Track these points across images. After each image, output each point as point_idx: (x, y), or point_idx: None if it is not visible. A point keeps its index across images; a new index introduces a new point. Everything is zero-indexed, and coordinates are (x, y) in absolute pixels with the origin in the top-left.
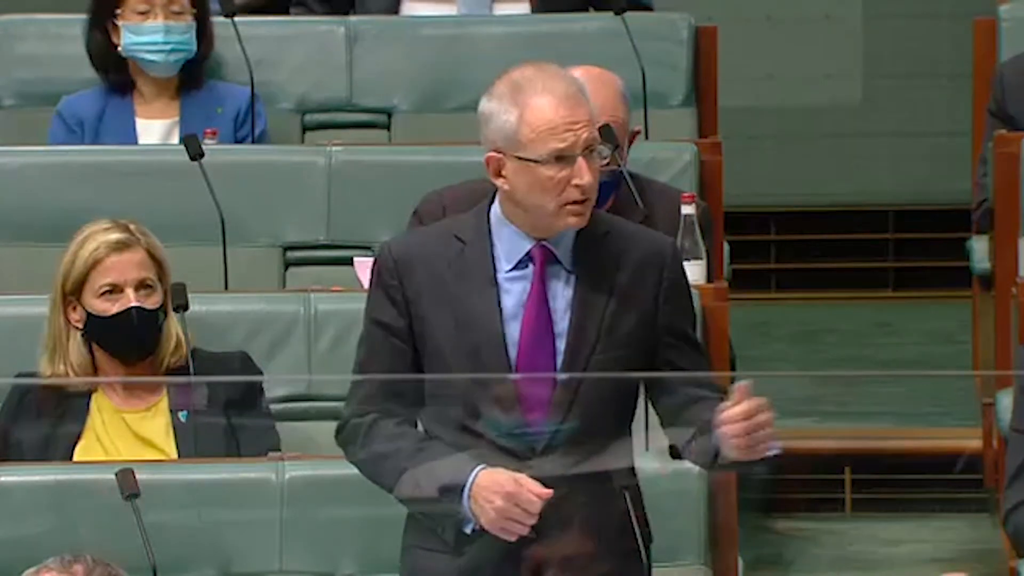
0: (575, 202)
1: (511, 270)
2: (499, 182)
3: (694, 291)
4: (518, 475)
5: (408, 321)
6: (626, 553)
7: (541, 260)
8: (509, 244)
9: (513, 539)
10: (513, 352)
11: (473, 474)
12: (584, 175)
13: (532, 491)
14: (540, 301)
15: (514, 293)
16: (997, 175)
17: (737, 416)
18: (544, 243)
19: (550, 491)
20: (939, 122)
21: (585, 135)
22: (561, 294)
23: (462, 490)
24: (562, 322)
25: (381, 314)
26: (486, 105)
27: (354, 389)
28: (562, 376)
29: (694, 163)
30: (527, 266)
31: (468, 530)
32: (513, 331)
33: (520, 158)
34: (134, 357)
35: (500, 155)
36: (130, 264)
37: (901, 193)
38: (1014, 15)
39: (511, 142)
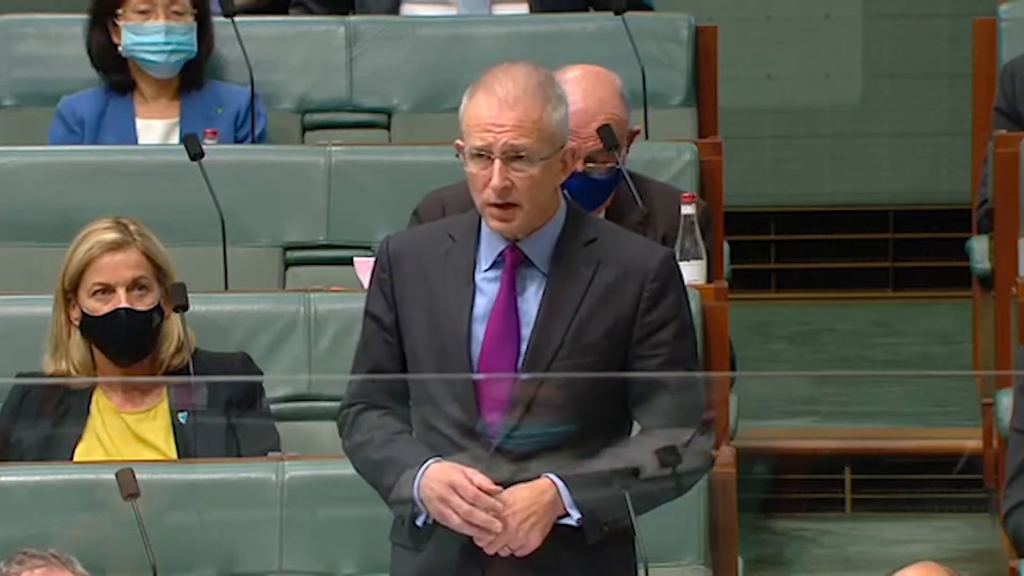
0: (492, 204)
1: (488, 269)
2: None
3: (694, 291)
4: (466, 468)
5: (395, 316)
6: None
7: (511, 262)
8: (488, 243)
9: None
10: (476, 353)
11: (424, 466)
12: (493, 177)
13: (478, 484)
14: (507, 303)
15: (487, 293)
16: (997, 175)
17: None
18: (517, 244)
19: (498, 488)
20: (939, 122)
21: (505, 139)
22: (533, 297)
23: (413, 482)
24: (529, 325)
25: (374, 307)
26: None
27: (351, 380)
28: (524, 376)
29: (694, 163)
30: (502, 266)
31: (419, 523)
32: (480, 332)
33: (462, 148)
34: (126, 359)
35: (461, 143)
36: (123, 264)
37: (901, 193)
38: (1014, 15)
39: (461, 131)
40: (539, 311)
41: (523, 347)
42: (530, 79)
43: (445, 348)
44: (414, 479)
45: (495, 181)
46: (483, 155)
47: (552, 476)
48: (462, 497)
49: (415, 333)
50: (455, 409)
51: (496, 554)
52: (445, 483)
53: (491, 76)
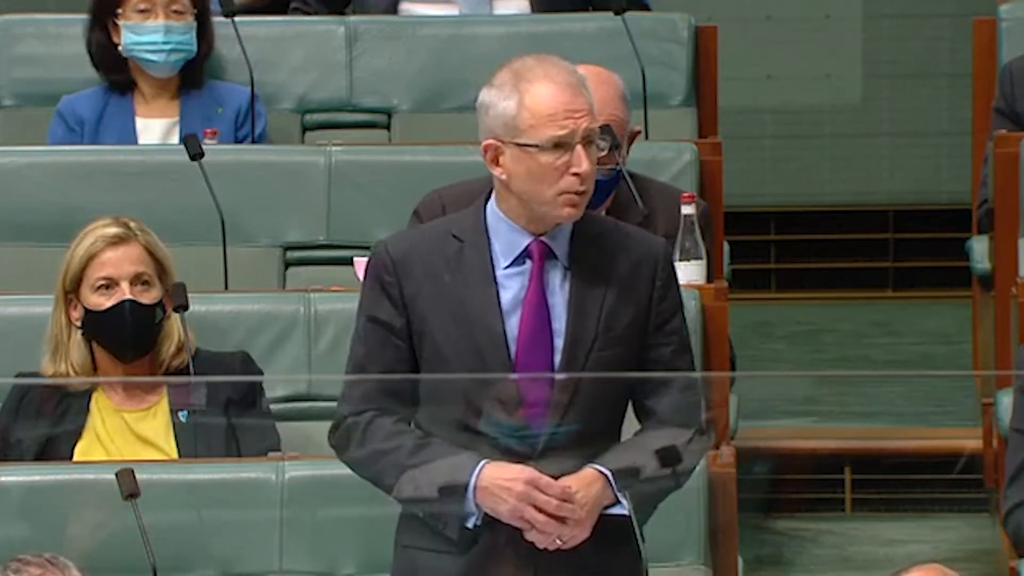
0: (572, 192)
1: (509, 266)
2: (496, 171)
3: (694, 291)
4: (526, 467)
5: (406, 320)
6: (620, 550)
7: (539, 255)
8: (506, 240)
9: (529, 528)
10: (513, 349)
11: (478, 469)
12: (582, 163)
13: (548, 482)
14: (539, 297)
15: (512, 289)
16: (997, 175)
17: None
18: (542, 239)
19: (568, 484)
20: (939, 122)
21: (584, 124)
22: (559, 290)
23: (466, 487)
24: (560, 319)
25: (379, 312)
26: (486, 94)
27: (349, 388)
28: (562, 376)
29: (694, 163)
30: (525, 262)
31: (470, 524)
32: (511, 327)
33: (519, 144)
34: (129, 354)
35: (499, 143)
36: (126, 258)
37: (901, 193)
38: (1014, 15)
39: (510, 128)
40: (569, 304)
41: (558, 342)
42: (568, 66)
43: (481, 348)
44: (469, 481)
45: (585, 166)
46: (563, 144)
47: (597, 466)
48: (548, 494)
49: (439, 336)
50: (495, 409)
51: (546, 553)
52: (523, 480)
53: (537, 69)
